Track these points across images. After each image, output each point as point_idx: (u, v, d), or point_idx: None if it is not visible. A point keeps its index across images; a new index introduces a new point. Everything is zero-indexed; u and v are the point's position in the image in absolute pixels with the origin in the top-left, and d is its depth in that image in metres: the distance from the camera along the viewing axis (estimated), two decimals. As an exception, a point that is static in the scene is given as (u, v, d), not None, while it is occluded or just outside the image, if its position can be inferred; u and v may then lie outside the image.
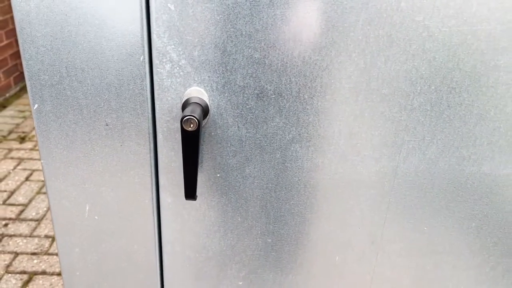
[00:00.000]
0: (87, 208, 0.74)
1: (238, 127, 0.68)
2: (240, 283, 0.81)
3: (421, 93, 0.65)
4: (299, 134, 0.68)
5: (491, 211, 0.74)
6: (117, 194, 0.73)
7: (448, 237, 0.76)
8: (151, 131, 0.68)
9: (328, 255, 0.78)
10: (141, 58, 0.62)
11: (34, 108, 0.66)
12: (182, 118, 0.61)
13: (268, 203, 0.74)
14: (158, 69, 0.63)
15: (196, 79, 0.64)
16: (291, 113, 0.67)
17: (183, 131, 0.62)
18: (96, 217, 0.75)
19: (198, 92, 0.65)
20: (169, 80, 0.64)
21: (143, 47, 0.62)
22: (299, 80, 0.64)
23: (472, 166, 0.70)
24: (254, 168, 0.71)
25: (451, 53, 0.62)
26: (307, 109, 0.66)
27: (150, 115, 0.67)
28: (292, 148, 0.69)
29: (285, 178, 0.72)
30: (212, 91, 0.65)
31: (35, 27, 0.60)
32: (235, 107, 0.66)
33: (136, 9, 0.59)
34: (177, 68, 0.63)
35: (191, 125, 0.61)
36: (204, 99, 0.66)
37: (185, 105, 0.65)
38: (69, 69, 0.63)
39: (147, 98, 0.65)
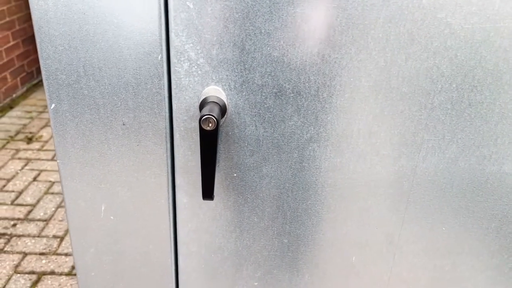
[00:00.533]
0: (102, 208, 0.74)
1: (256, 126, 0.67)
2: (256, 283, 0.80)
3: (442, 91, 0.64)
4: (317, 133, 0.68)
5: (511, 211, 0.73)
6: (133, 194, 0.72)
7: (467, 238, 0.75)
8: (168, 130, 0.67)
9: (345, 255, 0.77)
10: (159, 57, 0.62)
11: (51, 107, 0.66)
12: (200, 118, 0.60)
13: (285, 203, 0.73)
14: (176, 68, 0.63)
15: (214, 78, 0.63)
16: (309, 112, 0.66)
17: (202, 130, 0.62)
18: (111, 217, 0.74)
19: (216, 91, 0.64)
20: (187, 79, 0.63)
21: (161, 45, 0.61)
22: (318, 78, 0.63)
23: (493, 166, 0.69)
24: (271, 167, 0.71)
25: (473, 50, 0.61)
26: (326, 108, 0.66)
27: (167, 115, 0.66)
28: (310, 148, 0.69)
29: (303, 177, 0.71)
30: (230, 90, 0.64)
31: (53, 26, 0.60)
32: (253, 106, 0.66)
33: (154, 7, 0.59)
34: (195, 67, 0.63)
35: (210, 125, 0.61)
36: (222, 98, 0.65)
37: (202, 104, 0.64)
38: (86, 68, 0.63)
39: (164, 97, 0.65)
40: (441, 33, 0.60)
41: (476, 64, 0.62)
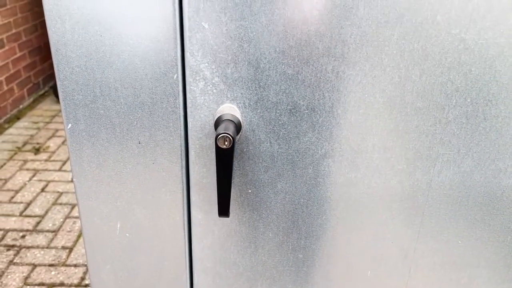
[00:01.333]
0: (118, 226, 0.74)
1: (271, 143, 0.67)
2: (271, 298, 0.80)
3: (457, 106, 0.64)
4: (332, 149, 0.68)
5: (528, 223, 0.73)
6: (149, 211, 0.73)
7: (483, 251, 0.75)
8: (183, 148, 0.68)
9: (360, 269, 0.77)
10: (175, 77, 0.62)
11: (68, 127, 0.66)
12: (216, 136, 0.61)
13: (300, 218, 0.73)
14: (191, 87, 0.63)
15: (229, 96, 0.64)
16: (324, 128, 0.66)
17: (218, 148, 0.62)
18: (127, 234, 0.74)
19: (231, 109, 0.65)
20: (202, 97, 0.64)
21: (177, 65, 0.62)
22: (332, 95, 0.64)
23: (509, 179, 0.69)
24: (286, 183, 0.71)
25: (487, 65, 0.61)
26: (340, 123, 0.66)
27: (182, 133, 0.66)
28: (325, 163, 0.69)
29: (317, 193, 0.71)
30: (245, 107, 0.65)
31: (70, 47, 0.60)
32: (268, 123, 0.66)
33: (170, 28, 0.59)
34: (210, 85, 0.63)
35: (226, 143, 0.61)
36: (237, 115, 0.65)
37: (217, 122, 0.65)
38: (103, 89, 0.63)
39: (179, 115, 0.65)
40: (455, 48, 0.60)
41: (491, 79, 0.62)
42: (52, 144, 3.40)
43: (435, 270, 0.77)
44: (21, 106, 3.89)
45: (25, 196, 2.78)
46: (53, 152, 3.28)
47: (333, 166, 0.69)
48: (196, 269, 0.78)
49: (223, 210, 0.67)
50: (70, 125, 0.66)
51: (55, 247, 2.38)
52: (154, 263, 0.77)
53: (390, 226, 0.73)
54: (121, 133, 0.67)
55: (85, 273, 2.25)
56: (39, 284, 2.14)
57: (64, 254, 2.35)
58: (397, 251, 0.76)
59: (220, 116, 0.65)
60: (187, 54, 0.61)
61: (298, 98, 0.64)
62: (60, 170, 3.05)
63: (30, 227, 2.52)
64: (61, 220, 2.59)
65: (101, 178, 0.70)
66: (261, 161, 0.69)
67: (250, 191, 0.71)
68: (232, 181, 0.71)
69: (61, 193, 2.81)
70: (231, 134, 0.61)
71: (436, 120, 0.65)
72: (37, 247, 2.38)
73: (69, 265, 2.28)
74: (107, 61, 0.61)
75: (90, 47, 0.60)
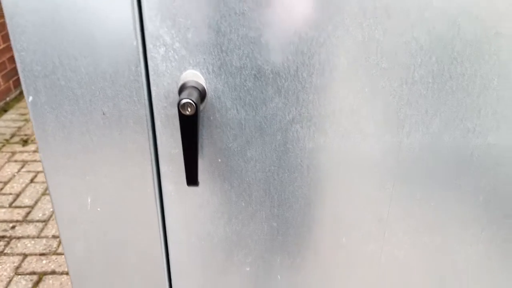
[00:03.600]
0: (89, 200, 0.73)
1: (237, 109, 0.67)
2: (248, 268, 0.80)
3: (422, 65, 0.64)
4: (299, 114, 0.67)
5: (499, 183, 0.72)
6: (118, 185, 0.72)
7: (455, 212, 0.75)
8: (149, 118, 0.67)
9: (335, 236, 0.77)
10: (134, 43, 0.61)
11: (29, 100, 0.65)
12: (179, 103, 0.60)
13: (272, 186, 0.73)
14: (152, 54, 0.62)
15: (191, 62, 0.63)
16: (290, 92, 0.65)
17: (181, 116, 0.61)
18: (98, 209, 0.74)
19: (194, 76, 0.64)
20: (164, 64, 0.63)
21: (135, 31, 0.60)
22: (296, 58, 0.63)
23: (477, 138, 0.69)
24: (255, 151, 0.70)
25: (451, 21, 0.61)
26: (306, 87, 0.65)
27: (147, 102, 0.66)
28: (293, 129, 0.68)
29: (287, 160, 0.71)
30: (209, 73, 0.64)
31: (25, 16, 0.59)
32: (233, 89, 0.65)
33: (126, -8, 0.58)
34: (171, 51, 0.62)
35: (189, 109, 0.60)
36: (201, 82, 0.64)
37: (181, 90, 0.64)
38: (61, 59, 0.62)
39: (142, 84, 0.64)
40: (417, 5, 0.60)
41: (455, 35, 0.62)
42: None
43: (409, 233, 0.77)
44: (7, 99, 3.85)
45: (14, 187, 2.76)
46: (42, 143, 3.25)
47: (302, 132, 0.69)
48: (170, 241, 0.77)
49: (191, 178, 0.66)
50: (31, 97, 0.65)
51: (46, 237, 2.38)
52: (128, 237, 0.77)
53: (362, 191, 0.73)
54: (84, 104, 0.66)
55: (76, 260, 2.24)
56: (30, 273, 2.14)
57: (55, 243, 2.34)
58: (370, 216, 0.75)
59: (183, 83, 0.64)
60: (145, 19, 0.60)
61: (262, 62, 0.63)
62: (48, 160, 3.03)
63: (20, 218, 2.51)
64: (51, 210, 2.58)
65: (67, 152, 0.69)
66: (228, 129, 0.68)
67: (219, 160, 0.71)
68: (201, 151, 0.70)
69: (50, 183, 2.79)
70: (194, 100, 0.60)
71: (402, 80, 0.65)
72: (28, 237, 2.37)
73: (60, 254, 2.27)
74: (63, 29, 0.60)
75: (45, 15, 0.59)
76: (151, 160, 0.70)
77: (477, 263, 0.79)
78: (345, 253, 0.79)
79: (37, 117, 0.67)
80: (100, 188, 0.72)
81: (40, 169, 2.95)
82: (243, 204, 0.75)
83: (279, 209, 0.75)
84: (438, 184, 0.73)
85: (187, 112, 0.60)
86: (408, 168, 0.71)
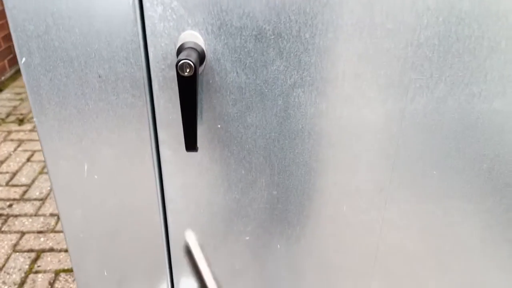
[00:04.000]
0: (85, 168, 0.72)
1: (237, 72, 0.65)
2: (247, 238, 0.79)
3: (428, 26, 0.62)
4: (301, 78, 0.65)
5: (503, 150, 0.71)
6: (116, 151, 0.70)
7: (458, 181, 0.74)
8: (146, 81, 0.65)
9: (335, 204, 0.76)
10: (130, 1, 0.59)
11: (22, 62, 0.63)
12: (177, 63, 0.58)
13: (272, 153, 0.72)
14: (149, 13, 0.60)
15: (190, 22, 0.61)
16: (292, 55, 0.63)
17: (179, 77, 0.59)
18: (95, 176, 0.72)
19: (193, 36, 0.62)
20: (162, 24, 0.61)
21: (132, -12, 0.58)
22: (299, 18, 0.61)
23: (483, 103, 0.67)
24: (256, 117, 0.68)
25: (459, -21, 0.58)
26: (309, 49, 0.63)
27: (144, 64, 0.64)
28: (295, 93, 0.66)
29: (288, 125, 0.69)
30: (208, 34, 0.62)
31: (16, -29, 0.57)
32: (233, 51, 0.63)
33: None
34: (169, 10, 0.60)
35: (187, 71, 0.58)
36: (200, 43, 0.62)
37: (180, 51, 0.62)
38: (55, 18, 0.60)
39: (139, 45, 0.62)
40: (425, -38, 0.57)
41: (463, -5, 0.59)
42: (36, 114, 3.35)
43: (410, 203, 0.76)
44: (3, 78, 3.80)
45: (10, 166, 2.75)
46: (38, 122, 3.23)
47: (303, 97, 0.67)
48: (169, 210, 0.76)
49: (190, 144, 0.65)
50: (24, 59, 0.63)
51: (43, 215, 2.37)
52: (126, 205, 0.75)
53: (364, 158, 0.72)
54: (79, 66, 0.63)
55: (74, 238, 2.25)
56: (28, 251, 2.14)
57: (52, 221, 2.34)
58: (372, 184, 0.74)
59: (182, 44, 0.62)
60: (142, -24, 0.58)
61: (263, 22, 0.61)
62: (45, 139, 3.01)
63: (17, 196, 2.50)
64: (48, 188, 2.57)
65: (63, 116, 0.67)
66: (228, 93, 0.66)
67: (219, 126, 0.69)
68: (200, 116, 0.68)
69: (47, 162, 2.78)
70: (192, 60, 0.58)
71: (408, 42, 0.63)
72: (25, 215, 2.37)
73: (58, 232, 2.27)
74: (56, -14, 0.58)
75: (37, -31, 0.57)
76: (149, 126, 0.68)
77: (478, 233, 0.79)
78: (345, 221, 0.78)
79: (31, 79, 0.64)
80: (97, 154, 0.71)
81: (36, 148, 2.93)
82: (243, 171, 0.73)
83: (279, 176, 0.74)
84: (441, 152, 0.71)
85: (186, 74, 0.58)
86: (411, 135, 0.70)
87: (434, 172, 0.73)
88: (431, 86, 0.66)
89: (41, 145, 0.70)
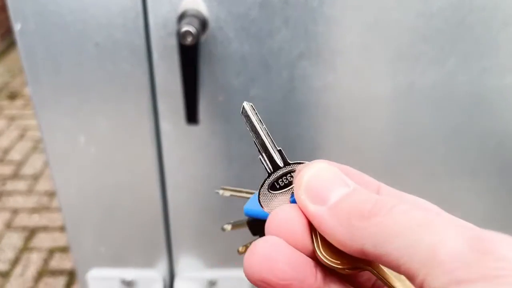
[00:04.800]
0: (82, 139, 0.69)
1: (241, 42, 0.62)
2: (248, 214, 0.78)
3: (442, -5, 0.59)
4: (307, 49, 0.63)
5: (512, 127, 0.70)
6: (113, 123, 0.68)
7: (466, 158, 0.72)
8: (145, 49, 0.62)
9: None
10: (130, -37, 0.56)
11: (17, 29, 0.60)
12: (178, 31, 0.55)
13: (276, 127, 0.69)
14: (149, -24, 0.57)
15: (192, -14, 0.58)
16: (298, 23, 0.61)
17: (180, 46, 0.57)
18: (92, 149, 0.70)
19: (195, 3, 0.59)
20: (163, -12, 0.58)
21: (132, -51, 0.55)
22: (307, -16, 0.58)
23: (494, 78, 0.65)
24: (260, 89, 0.66)
25: None
26: (316, 18, 0.60)
27: (143, 31, 0.61)
28: (301, 65, 0.64)
29: (294, 99, 0.67)
30: (210, 1, 0.59)
31: None
32: (236, 19, 0.60)
33: None
34: (171, -26, 0.57)
35: (189, 39, 0.56)
36: (202, 10, 0.59)
37: (181, 18, 0.59)
38: (50, -21, 0.57)
39: (139, 11, 0.59)
40: None
41: (479, -38, 0.57)
42: (28, 90, 3.29)
43: (417, 181, 0.74)
44: (-6, 53, 3.72)
45: (3, 142, 2.71)
46: (30, 99, 3.17)
47: (310, 69, 0.64)
48: (168, 185, 0.74)
49: (191, 116, 0.62)
50: (19, 25, 0.60)
51: (37, 193, 2.35)
52: (124, 179, 0.73)
53: (371, 133, 0.70)
54: (75, 33, 0.60)
55: (68, 216, 2.23)
56: (22, 228, 2.12)
57: (46, 199, 2.31)
58: (378, 161, 0.73)
59: (183, 11, 0.59)
60: None
61: (269, -12, 0.58)
62: (38, 116, 2.97)
63: (10, 172, 2.47)
64: (42, 165, 2.54)
65: (58, 86, 0.65)
66: (231, 63, 0.64)
67: (221, 98, 0.67)
68: (201, 88, 0.66)
69: (40, 140, 2.74)
70: (194, 28, 0.55)
71: (419, 12, 0.60)
72: (19, 192, 2.34)
73: (52, 209, 2.25)
74: None
75: None
76: (148, 97, 0.66)
77: (484, 212, 0.78)
78: (349, 199, 0.76)
79: (26, 47, 0.61)
80: (94, 126, 0.68)
81: (29, 124, 2.89)
82: (245, 146, 0.71)
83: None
84: (449, 129, 0.69)
85: (187, 42, 0.56)
86: (420, 110, 0.68)
87: (442, 149, 0.72)
88: (442, 59, 0.64)
89: (36, 116, 0.68)
